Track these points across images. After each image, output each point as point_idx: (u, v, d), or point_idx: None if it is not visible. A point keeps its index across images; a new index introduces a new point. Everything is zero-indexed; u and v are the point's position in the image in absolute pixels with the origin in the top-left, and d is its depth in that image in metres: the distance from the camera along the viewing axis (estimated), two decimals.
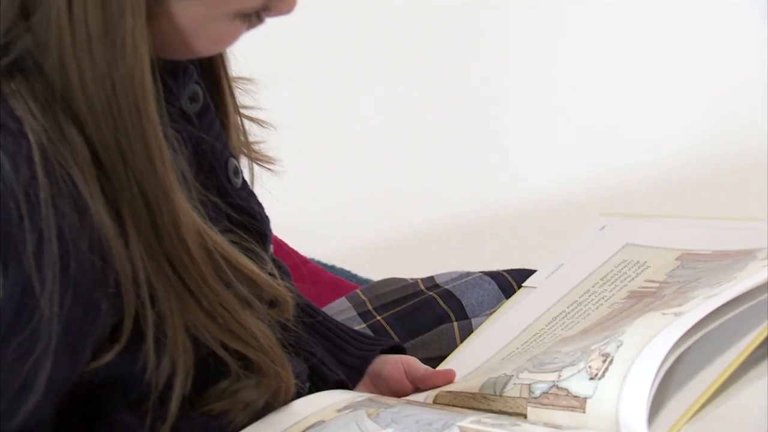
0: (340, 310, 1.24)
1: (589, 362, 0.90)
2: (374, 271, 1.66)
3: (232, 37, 0.93)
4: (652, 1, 2.77)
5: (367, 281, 1.59)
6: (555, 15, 2.68)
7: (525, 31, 2.59)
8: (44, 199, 0.84)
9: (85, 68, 0.85)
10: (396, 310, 1.27)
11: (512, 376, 0.96)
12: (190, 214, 0.90)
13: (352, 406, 0.99)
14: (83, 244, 0.86)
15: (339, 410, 0.99)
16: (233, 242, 0.94)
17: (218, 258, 0.92)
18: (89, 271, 0.86)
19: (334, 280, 1.37)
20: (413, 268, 1.74)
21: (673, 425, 0.90)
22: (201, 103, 0.99)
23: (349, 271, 1.61)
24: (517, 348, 1.08)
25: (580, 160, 2.24)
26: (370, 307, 1.27)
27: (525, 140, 2.25)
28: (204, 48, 0.93)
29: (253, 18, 0.92)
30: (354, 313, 1.26)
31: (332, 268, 1.57)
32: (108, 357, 0.91)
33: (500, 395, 0.96)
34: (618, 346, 0.90)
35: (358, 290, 1.28)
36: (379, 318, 1.26)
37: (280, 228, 1.10)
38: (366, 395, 1.03)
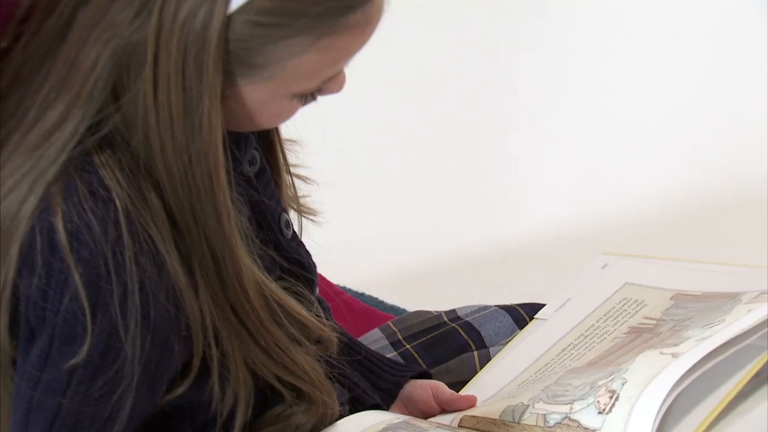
0: (374, 339, 1.28)
1: (598, 397, 0.97)
2: (399, 298, 1.72)
3: (290, 114, 0.98)
4: (650, 42, 2.78)
5: (392, 307, 1.66)
6: (556, 53, 2.68)
7: (528, 70, 2.59)
8: (128, 256, 0.90)
9: (167, 143, 0.91)
10: (423, 339, 1.30)
11: (529, 405, 1.03)
12: (250, 268, 0.96)
13: (390, 428, 1.05)
14: (161, 294, 0.92)
15: (379, 431, 1.05)
16: (285, 288, 1.00)
17: (273, 304, 0.99)
18: (165, 318, 0.92)
19: (365, 310, 1.43)
20: (431, 294, 1.83)
21: None
22: (258, 166, 1.05)
23: (377, 298, 1.67)
24: (531, 376, 1.13)
25: (582, 196, 2.25)
26: (400, 337, 1.30)
27: (530, 178, 2.27)
28: (265, 123, 0.99)
29: (308, 97, 0.97)
30: (386, 342, 1.28)
31: (362, 295, 1.63)
32: (180, 390, 0.97)
33: (518, 422, 1.02)
34: (623, 384, 0.97)
35: (389, 322, 1.32)
36: (408, 347, 1.29)
37: (316, 259, 1.16)
38: (402, 417, 1.08)
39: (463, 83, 2.40)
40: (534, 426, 1.01)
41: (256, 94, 0.94)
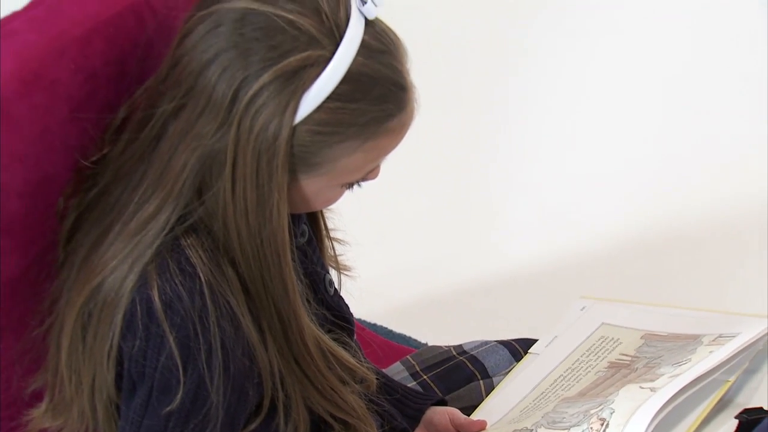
0: (396, 371, 1.34)
1: (591, 424, 1.07)
2: (406, 328, 1.78)
3: (337, 198, 1.06)
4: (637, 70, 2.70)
5: (401, 335, 1.73)
6: (539, 82, 2.63)
7: (509, 105, 2.56)
8: (212, 321, 0.98)
9: (242, 229, 0.98)
10: (437, 371, 1.35)
11: (532, 430, 1.12)
12: (310, 327, 1.05)
13: None
14: (238, 350, 1.00)
15: None
16: (335, 339, 1.09)
17: (328, 354, 1.07)
18: (242, 370, 1.01)
19: (384, 343, 1.50)
20: (432, 323, 1.88)
21: None
22: (307, 237, 1.14)
23: (385, 327, 1.74)
24: (530, 403, 1.21)
25: (560, 234, 2.23)
26: (417, 369, 1.35)
27: (512, 216, 2.26)
28: (318, 207, 1.08)
29: (353, 186, 1.05)
30: (407, 373, 1.34)
31: (374, 326, 1.70)
32: (253, 426, 1.06)
33: None
34: (611, 413, 1.07)
35: (408, 356, 1.38)
36: (425, 377, 1.34)
37: None
38: None
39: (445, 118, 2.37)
40: None
41: (313, 186, 1.01)
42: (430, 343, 1.78)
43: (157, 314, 0.97)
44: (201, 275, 0.98)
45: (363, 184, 1.06)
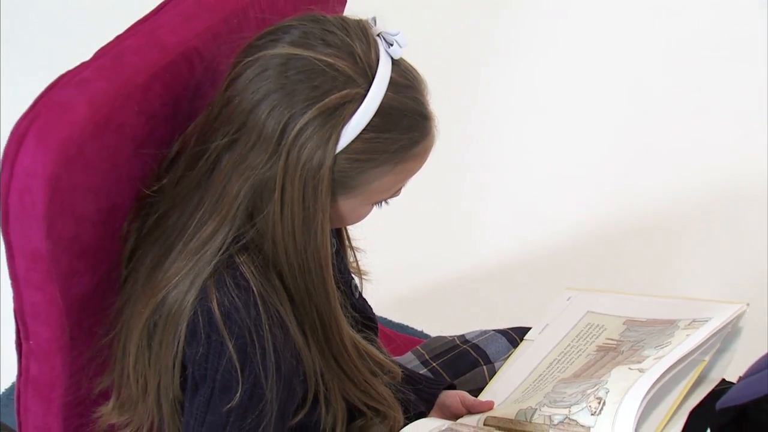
0: (409, 360, 1.39)
1: (589, 402, 1.14)
2: (405, 318, 1.83)
3: (365, 215, 1.12)
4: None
5: (399, 325, 1.78)
6: (524, 77, 2.61)
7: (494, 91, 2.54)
8: (265, 328, 1.04)
9: (290, 246, 1.05)
10: (444, 358, 1.40)
11: (536, 408, 1.19)
12: (348, 329, 1.11)
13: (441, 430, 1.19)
14: (287, 353, 1.06)
15: None
16: (366, 338, 1.15)
17: (362, 352, 1.14)
18: (291, 369, 1.07)
19: (395, 335, 1.55)
20: (425, 313, 1.91)
21: None
22: (335, 247, 1.21)
23: (384, 318, 1.76)
24: (530, 385, 1.28)
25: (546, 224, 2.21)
26: (427, 357, 1.40)
27: (493, 213, 2.25)
28: (351, 223, 1.14)
29: (382, 203, 1.11)
30: (418, 362, 1.39)
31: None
32: (299, 417, 1.13)
33: (530, 421, 1.18)
34: (606, 392, 1.14)
35: (417, 346, 1.42)
36: (434, 365, 1.39)
37: None
38: (447, 422, 1.21)
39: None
40: (542, 424, 1.17)
41: (349, 206, 1.08)
42: (425, 331, 1.86)
43: (218, 324, 1.03)
44: (254, 288, 1.04)
45: (386, 204, 1.12)
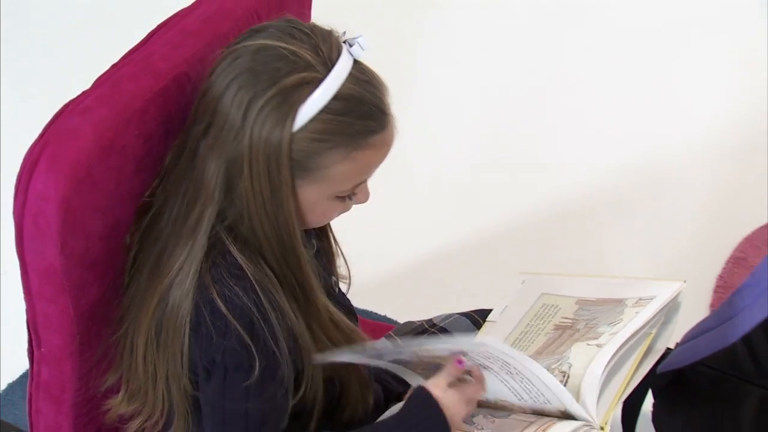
0: (383, 345, 1.34)
1: (555, 376, 1.19)
2: (368, 304, 1.85)
3: (331, 215, 1.15)
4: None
5: (363, 311, 1.79)
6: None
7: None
8: (267, 307, 1.07)
9: (263, 218, 1.08)
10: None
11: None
12: (321, 296, 1.14)
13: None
14: (285, 332, 1.09)
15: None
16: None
17: (337, 320, 1.17)
18: (290, 345, 1.10)
19: (365, 321, 1.55)
20: (385, 300, 1.93)
21: (607, 409, 1.19)
22: (314, 250, 1.23)
23: None
24: None
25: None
26: (400, 342, 1.37)
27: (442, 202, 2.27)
28: (316, 219, 1.15)
29: (345, 200, 1.12)
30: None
31: None
32: (296, 398, 1.16)
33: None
34: (569, 367, 1.20)
35: (390, 332, 1.44)
36: None
37: None
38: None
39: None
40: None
41: (309, 196, 1.10)
42: (388, 315, 1.90)
43: (221, 311, 1.06)
44: (249, 275, 1.08)
45: (355, 205, 1.15)
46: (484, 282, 1.79)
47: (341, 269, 1.31)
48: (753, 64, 2.68)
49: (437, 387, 1.14)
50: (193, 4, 1.22)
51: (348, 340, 1.18)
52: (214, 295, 1.06)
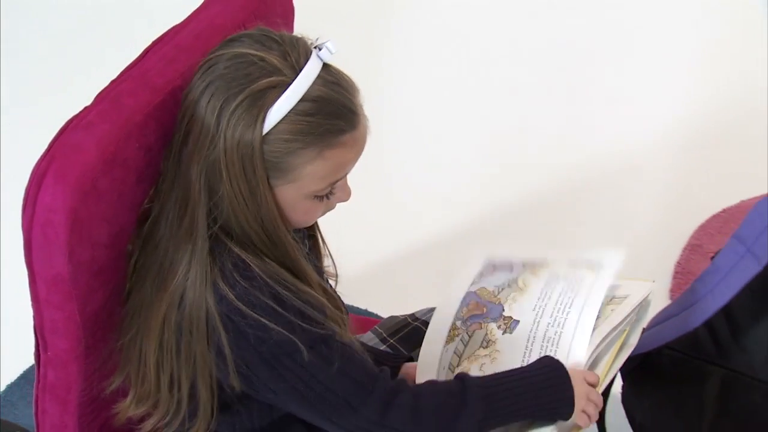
0: (370, 338, 1.44)
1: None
2: (354, 299, 1.83)
3: (314, 214, 1.16)
4: None
5: (348, 306, 1.82)
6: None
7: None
8: (278, 289, 1.08)
9: (247, 215, 1.09)
10: (400, 335, 1.45)
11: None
12: (311, 272, 1.15)
13: None
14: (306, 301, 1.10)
15: None
16: None
17: (329, 292, 1.20)
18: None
19: (353, 317, 1.58)
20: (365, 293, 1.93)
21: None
22: (308, 249, 1.26)
23: None
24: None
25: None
26: (385, 336, 1.45)
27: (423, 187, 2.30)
28: (299, 219, 1.15)
29: (324, 200, 1.12)
30: (377, 339, 1.44)
31: None
32: None
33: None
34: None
35: (375, 326, 1.47)
36: (392, 341, 1.44)
37: None
38: None
39: None
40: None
41: (287, 196, 1.11)
42: (369, 309, 1.93)
43: (235, 304, 1.07)
44: (252, 265, 1.09)
45: (337, 204, 1.16)
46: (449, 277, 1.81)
47: (329, 269, 1.33)
48: (703, 63, 2.73)
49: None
50: (184, 20, 1.24)
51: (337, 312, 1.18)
52: (235, 302, 1.07)
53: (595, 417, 1.20)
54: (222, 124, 1.05)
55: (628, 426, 1.62)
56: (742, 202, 2.28)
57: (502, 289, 1.35)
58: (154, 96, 1.13)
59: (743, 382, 1.46)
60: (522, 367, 1.21)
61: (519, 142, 2.49)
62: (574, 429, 1.21)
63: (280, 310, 1.08)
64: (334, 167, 1.11)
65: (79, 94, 1.19)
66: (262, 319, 1.07)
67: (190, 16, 1.24)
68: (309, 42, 1.12)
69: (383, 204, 2.22)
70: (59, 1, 2.98)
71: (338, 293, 1.31)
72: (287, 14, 1.37)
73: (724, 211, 2.27)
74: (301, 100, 1.06)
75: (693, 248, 2.19)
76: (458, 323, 1.35)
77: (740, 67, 2.70)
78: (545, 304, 1.30)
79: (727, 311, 1.45)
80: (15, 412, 1.70)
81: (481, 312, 1.33)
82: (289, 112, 1.06)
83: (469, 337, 1.32)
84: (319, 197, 1.13)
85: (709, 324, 1.47)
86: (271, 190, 1.09)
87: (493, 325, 1.32)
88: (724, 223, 2.24)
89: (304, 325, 1.08)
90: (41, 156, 1.06)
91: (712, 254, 2.10)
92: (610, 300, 1.32)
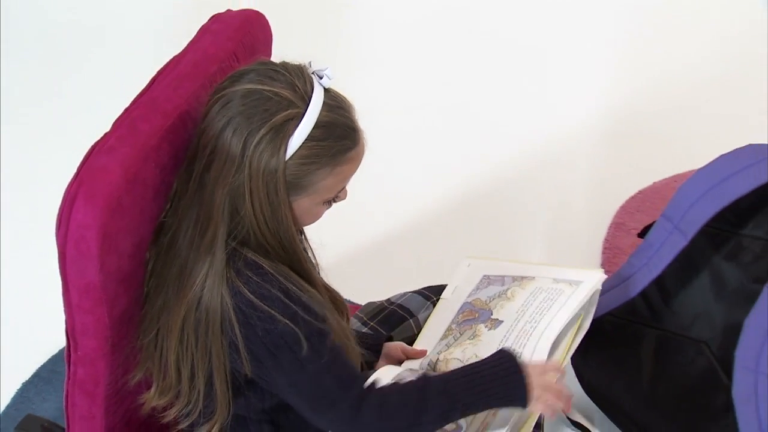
0: (353, 323, 1.46)
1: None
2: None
3: (321, 214, 1.21)
4: None
5: None
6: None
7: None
8: (288, 287, 1.12)
9: (266, 233, 1.13)
10: (379, 318, 1.49)
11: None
12: (321, 279, 1.22)
13: (402, 375, 1.28)
14: (304, 299, 1.14)
15: (394, 378, 1.27)
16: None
17: (332, 291, 1.25)
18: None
19: None
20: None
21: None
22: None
23: None
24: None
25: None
26: (366, 320, 1.50)
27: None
28: (309, 222, 1.21)
29: (331, 202, 1.19)
30: (359, 323, 1.49)
31: None
32: None
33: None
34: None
35: (356, 312, 1.51)
36: (372, 324, 1.49)
37: None
38: (399, 368, 1.32)
39: None
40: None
41: (304, 205, 1.16)
42: (346, 297, 1.96)
43: (254, 302, 1.11)
44: (267, 267, 1.13)
45: (337, 203, 1.20)
46: (429, 263, 1.85)
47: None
48: (617, 66, 2.79)
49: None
50: (182, 51, 1.28)
51: (340, 304, 1.25)
52: (247, 294, 1.11)
53: (558, 406, 1.19)
54: (247, 154, 1.09)
55: (579, 384, 1.69)
56: (655, 183, 2.35)
57: (493, 299, 1.40)
58: (165, 120, 1.17)
59: (675, 340, 1.53)
60: (477, 361, 1.22)
61: (462, 137, 2.50)
62: (530, 418, 1.22)
63: (287, 301, 1.12)
64: (343, 178, 1.17)
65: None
66: (271, 311, 1.11)
67: (186, 48, 1.29)
68: (305, 67, 1.16)
69: (357, 197, 2.20)
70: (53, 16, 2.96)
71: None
72: (267, 41, 1.42)
73: (640, 192, 2.34)
74: (314, 127, 1.11)
75: (617, 226, 2.25)
76: (453, 326, 1.41)
77: (648, 71, 2.76)
78: (526, 309, 1.35)
79: (658, 280, 1.54)
80: (32, 407, 1.70)
81: (473, 317, 1.39)
82: (305, 140, 1.10)
83: (461, 334, 1.38)
84: (327, 202, 1.19)
85: (643, 292, 1.56)
86: (290, 207, 1.13)
87: (481, 326, 1.37)
88: (641, 203, 2.31)
89: (306, 317, 1.12)
90: (71, 179, 1.09)
91: (634, 230, 2.22)
92: (569, 285, 1.36)
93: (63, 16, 2.94)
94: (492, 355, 1.21)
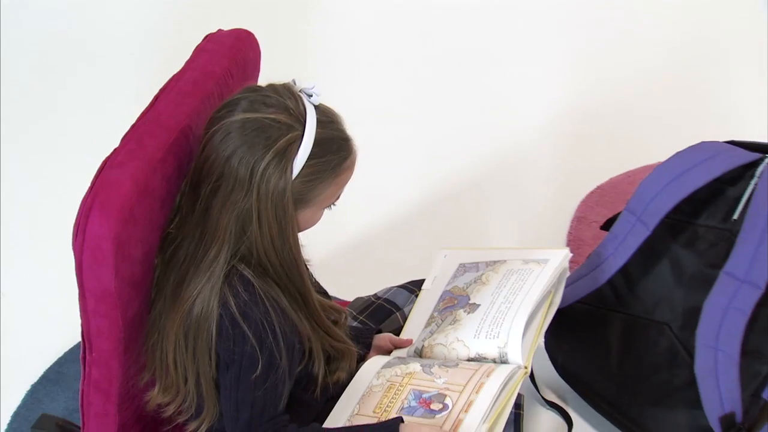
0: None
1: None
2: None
3: (320, 217, 1.23)
4: None
5: None
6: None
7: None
8: (272, 316, 1.15)
9: (270, 252, 1.16)
10: (367, 312, 1.52)
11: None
12: (313, 294, 1.23)
13: (388, 364, 1.34)
14: (288, 329, 1.18)
15: (382, 365, 1.33)
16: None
17: (324, 306, 1.27)
18: (291, 339, 1.18)
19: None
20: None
21: (528, 353, 1.31)
22: None
23: None
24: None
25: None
26: (355, 314, 1.52)
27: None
28: (310, 226, 1.23)
29: (330, 206, 1.21)
30: (349, 318, 1.44)
31: None
32: (300, 367, 1.24)
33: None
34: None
35: (346, 307, 1.50)
36: (361, 318, 1.51)
37: None
38: (387, 357, 1.36)
39: None
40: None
41: (308, 214, 1.20)
42: (334, 294, 1.97)
43: (238, 321, 1.14)
44: (258, 288, 1.16)
45: (334, 206, 1.23)
46: (411, 258, 1.86)
47: None
48: (573, 70, 2.83)
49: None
50: (181, 69, 1.31)
51: (333, 317, 1.28)
52: (233, 307, 1.13)
53: None
54: (255, 180, 1.11)
55: (552, 367, 1.73)
56: (611, 178, 2.39)
57: (470, 285, 1.44)
58: (169, 135, 1.20)
59: (640, 324, 1.57)
60: (369, 424, 1.24)
61: (434, 141, 2.52)
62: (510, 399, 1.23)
63: (263, 327, 1.13)
64: (342, 185, 1.20)
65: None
66: (247, 331, 1.13)
67: (185, 66, 1.32)
68: (292, 86, 1.17)
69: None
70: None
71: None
72: (256, 59, 1.45)
73: (598, 187, 2.38)
74: (313, 146, 1.13)
75: (579, 219, 2.29)
76: (435, 314, 1.45)
77: (601, 76, 2.80)
78: (501, 291, 1.39)
79: (623, 269, 1.59)
80: (42, 407, 1.70)
81: (453, 304, 1.42)
82: (307, 159, 1.12)
83: (442, 321, 1.41)
84: (327, 207, 1.22)
85: (610, 280, 1.60)
86: (296, 222, 1.14)
87: (460, 311, 1.41)
88: (599, 197, 2.35)
89: (273, 347, 1.13)
90: (86, 192, 1.12)
91: (594, 223, 2.27)
92: (537, 264, 1.40)
93: (50, 26, 2.91)
94: (385, 420, 1.23)
